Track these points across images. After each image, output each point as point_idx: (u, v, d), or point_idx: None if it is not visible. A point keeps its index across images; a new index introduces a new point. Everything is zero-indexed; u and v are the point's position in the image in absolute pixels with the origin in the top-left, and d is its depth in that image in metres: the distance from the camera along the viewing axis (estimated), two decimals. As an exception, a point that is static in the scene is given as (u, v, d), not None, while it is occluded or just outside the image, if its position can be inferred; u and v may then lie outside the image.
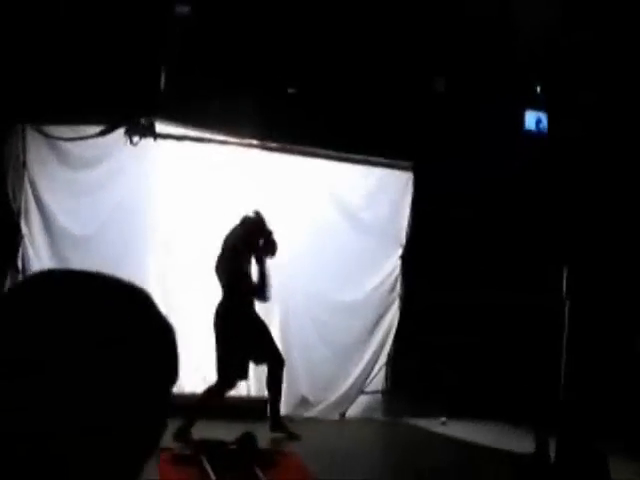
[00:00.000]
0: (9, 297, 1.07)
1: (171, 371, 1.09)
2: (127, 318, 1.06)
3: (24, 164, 8.06)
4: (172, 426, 7.23)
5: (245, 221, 7.61)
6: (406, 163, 9.46)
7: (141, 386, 1.04)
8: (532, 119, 9.22)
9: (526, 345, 9.21)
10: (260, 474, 5.98)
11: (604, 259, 8.88)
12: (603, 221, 8.96)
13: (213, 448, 6.51)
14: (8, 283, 8.01)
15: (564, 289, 8.09)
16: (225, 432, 7.31)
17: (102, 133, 7.81)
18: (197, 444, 6.69)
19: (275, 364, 7.66)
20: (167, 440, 6.78)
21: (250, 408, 8.49)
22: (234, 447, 6.61)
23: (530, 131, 9.20)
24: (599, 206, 9.01)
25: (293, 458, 6.91)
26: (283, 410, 8.24)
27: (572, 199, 9.19)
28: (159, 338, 1.10)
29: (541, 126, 9.23)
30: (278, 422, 7.71)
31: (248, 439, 6.73)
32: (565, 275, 8.14)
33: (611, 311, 8.99)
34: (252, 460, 6.36)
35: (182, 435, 7.08)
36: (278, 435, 7.69)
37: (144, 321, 1.09)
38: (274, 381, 7.72)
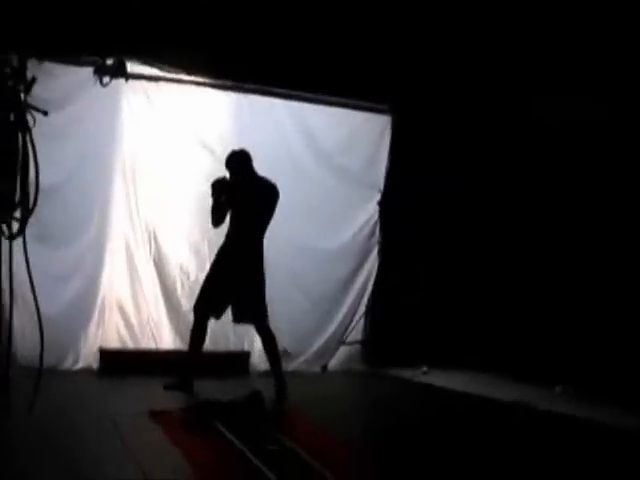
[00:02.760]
0: None
1: None
2: None
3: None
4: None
5: None
6: (384, 106, 9.16)
7: None
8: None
9: (506, 291, 9.16)
10: (278, 433, 5.62)
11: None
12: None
13: (222, 409, 6.13)
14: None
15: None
16: (212, 390, 7.07)
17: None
18: (201, 406, 6.29)
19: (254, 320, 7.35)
20: (166, 403, 6.48)
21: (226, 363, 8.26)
22: (244, 406, 6.26)
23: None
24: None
25: (298, 412, 6.61)
26: (263, 365, 7.98)
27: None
28: None
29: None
30: (278, 380, 7.30)
31: (257, 397, 6.42)
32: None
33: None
34: (265, 419, 6.06)
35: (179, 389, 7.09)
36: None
37: None
38: (262, 337, 7.38)
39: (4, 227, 4.06)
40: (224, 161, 7.27)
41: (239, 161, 7.25)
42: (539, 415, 7.17)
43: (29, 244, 7.62)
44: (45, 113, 4.01)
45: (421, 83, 8.77)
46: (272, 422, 6.03)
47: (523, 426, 6.82)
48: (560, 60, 8.37)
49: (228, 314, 7.35)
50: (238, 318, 7.27)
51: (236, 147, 7.60)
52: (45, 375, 7.36)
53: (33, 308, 7.52)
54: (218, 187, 7.15)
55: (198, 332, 7.26)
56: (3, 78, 3.70)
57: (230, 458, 5.03)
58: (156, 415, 6.03)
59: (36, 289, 7.63)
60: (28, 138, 3.75)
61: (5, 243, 6.80)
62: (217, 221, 7.26)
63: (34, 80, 3.98)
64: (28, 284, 7.49)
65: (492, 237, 9.29)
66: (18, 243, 7.41)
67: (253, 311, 7.21)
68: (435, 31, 8.33)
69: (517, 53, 8.48)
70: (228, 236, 7.27)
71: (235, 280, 7.18)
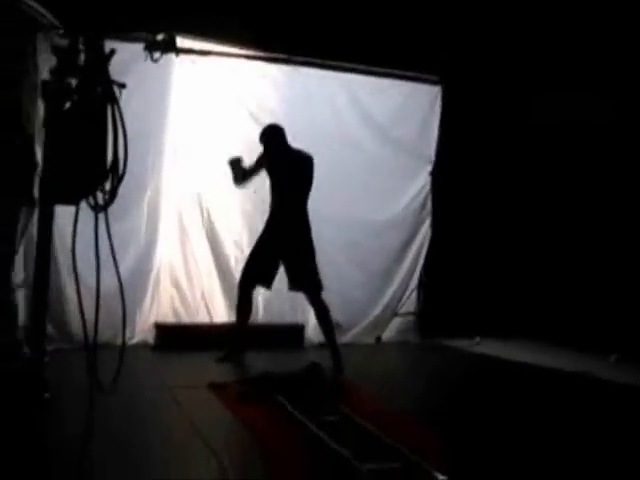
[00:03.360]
0: None
1: None
2: None
3: (36, 86, 7.46)
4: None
5: None
6: (434, 77, 9.10)
7: None
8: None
9: (560, 260, 9.10)
10: (337, 404, 5.62)
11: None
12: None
13: (281, 381, 6.15)
14: (23, 214, 7.49)
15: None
16: (267, 363, 7.10)
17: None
18: (260, 378, 6.31)
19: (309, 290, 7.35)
20: (224, 376, 6.52)
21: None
22: (302, 378, 6.28)
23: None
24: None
25: (355, 383, 6.62)
26: (318, 337, 8.01)
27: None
28: None
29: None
30: (334, 351, 7.33)
31: (315, 369, 6.44)
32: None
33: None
34: (323, 390, 6.07)
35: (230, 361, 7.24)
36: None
37: None
38: (315, 309, 7.40)
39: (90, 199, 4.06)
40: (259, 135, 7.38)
41: (272, 134, 7.34)
42: (601, 385, 7.14)
43: (83, 220, 7.79)
44: (123, 86, 4.03)
45: (470, 52, 8.69)
46: (331, 393, 6.03)
47: (587, 396, 6.76)
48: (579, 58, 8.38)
49: (282, 287, 7.41)
50: (294, 285, 7.31)
51: (287, 120, 7.70)
52: (101, 350, 7.46)
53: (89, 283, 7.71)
54: (235, 168, 7.38)
55: (243, 304, 7.36)
56: (90, 51, 3.73)
57: (292, 429, 5.04)
58: (215, 388, 6.08)
59: (91, 264, 7.76)
60: (116, 109, 3.78)
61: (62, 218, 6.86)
62: (238, 183, 7.51)
63: (113, 52, 4.00)
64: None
65: (547, 204, 9.27)
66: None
67: (308, 281, 7.25)
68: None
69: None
70: (271, 210, 7.39)
71: (285, 250, 7.26)
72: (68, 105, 3.74)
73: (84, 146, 3.67)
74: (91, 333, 7.25)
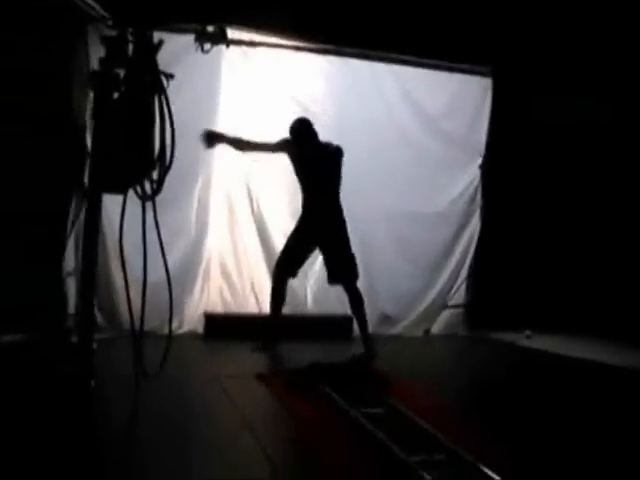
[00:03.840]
0: None
1: None
2: None
3: (87, 77, 7.53)
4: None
5: None
6: (485, 68, 9.03)
7: None
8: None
9: (613, 253, 9.00)
10: (388, 397, 5.57)
11: None
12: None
13: (328, 372, 6.13)
14: (74, 203, 7.57)
15: None
16: (315, 354, 7.07)
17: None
18: (308, 368, 6.30)
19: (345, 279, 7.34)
20: (271, 366, 6.54)
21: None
22: (350, 369, 6.26)
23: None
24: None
25: (402, 378, 6.55)
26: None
27: None
28: None
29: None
30: (365, 339, 7.36)
31: (362, 361, 6.42)
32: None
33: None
34: (369, 382, 6.03)
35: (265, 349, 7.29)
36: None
37: None
38: (350, 296, 7.38)
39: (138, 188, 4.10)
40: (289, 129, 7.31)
41: (300, 128, 7.29)
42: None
43: (134, 211, 7.83)
44: (171, 76, 4.06)
45: (521, 44, 8.60)
46: (378, 385, 5.99)
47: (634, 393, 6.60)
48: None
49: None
50: (333, 279, 7.33)
51: (337, 111, 7.87)
52: (149, 339, 7.49)
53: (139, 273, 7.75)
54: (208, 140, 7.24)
55: (277, 293, 7.39)
56: (138, 42, 3.77)
57: (340, 420, 5.02)
58: (263, 378, 6.09)
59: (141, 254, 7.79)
60: (164, 99, 3.81)
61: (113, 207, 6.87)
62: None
63: (161, 43, 4.03)
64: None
65: (601, 197, 9.18)
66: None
67: (346, 271, 7.26)
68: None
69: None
70: (304, 204, 7.36)
71: (321, 243, 7.28)
72: (116, 95, 3.77)
73: (131, 135, 3.70)
74: (139, 322, 7.33)
